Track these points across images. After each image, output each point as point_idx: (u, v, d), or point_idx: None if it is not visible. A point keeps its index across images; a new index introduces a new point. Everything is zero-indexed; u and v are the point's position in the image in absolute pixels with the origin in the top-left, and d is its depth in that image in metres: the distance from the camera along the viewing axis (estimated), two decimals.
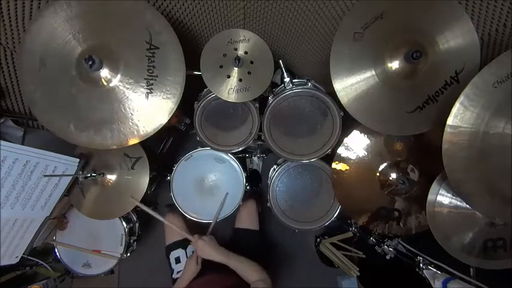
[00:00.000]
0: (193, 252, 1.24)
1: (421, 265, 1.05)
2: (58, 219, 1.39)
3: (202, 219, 1.25)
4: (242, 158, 1.60)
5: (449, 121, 0.75)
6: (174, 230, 1.35)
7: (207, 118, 1.10)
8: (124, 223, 1.36)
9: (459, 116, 0.74)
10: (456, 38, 0.82)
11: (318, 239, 1.65)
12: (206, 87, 1.00)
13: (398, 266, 1.21)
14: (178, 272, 1.29)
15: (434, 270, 1.00)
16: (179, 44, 0.88)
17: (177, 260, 1.31)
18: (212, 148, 1.16)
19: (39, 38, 0.86)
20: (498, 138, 0.73)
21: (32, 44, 0.86)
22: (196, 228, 1.30)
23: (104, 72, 0.86)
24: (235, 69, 0.96)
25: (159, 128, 0.91)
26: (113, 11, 0.87)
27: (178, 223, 1.37)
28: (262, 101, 1.12)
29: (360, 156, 1.08)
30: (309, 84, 1.06)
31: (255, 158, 1.71)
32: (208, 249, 1.09)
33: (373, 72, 0.86)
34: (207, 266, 1.11)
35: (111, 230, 1.37)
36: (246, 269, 1.07)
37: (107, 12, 0.87)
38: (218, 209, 1.23)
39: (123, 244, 1.36)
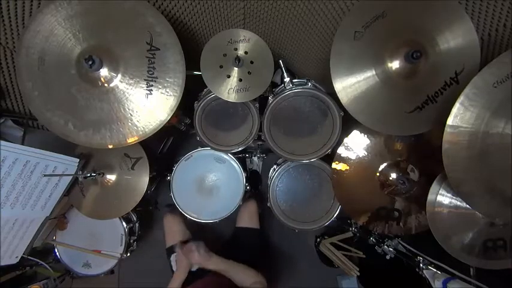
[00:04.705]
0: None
1: (421, 265, 1.05)
2: (58, 219, 1.39)
3: (202, 219, 1.25)
4: (242, 158, 1.60)
5: (449, 121, 0.75)
6: (174, 232, 1.35)
7: (207, 118, 1.10)
8: (124, 223, 1.36)
9: (459, 116, 0.74)
10: (456, 38, 0.82)
11: (318, 239, 1.66)
12: (206, 87, 1.00)
13: (399, 266, 1.21)
14: None
15: (434, 270, 1.00)
16: (180, 46, 0.88)
17: None
18: (212, 148, 1.16)
19: (39, 36, 0.85)
20: (498, 138, 0.73)
21: (31, 41, 0.85)
22: (196, 228, 1.30)
23: (104, 72, 0.86)
24: (235, 69, 0.96)
25: (159, 128, 0.91)
26: (114, 11, 0.87)
27: (177, 223, 1.37)
28: (262, 101, 1.12)
29: (360, 156, 1.08)
30: (309, 84, 1.06)
31: (255, 158, 1.71)
32: (198, 258, 1.07)
33: (373, 72, 0.86)
34: (204, 269, 1.11)
35: (111, 230, 1.37)
36: (240, 273, 1.06)
37: (108, 12, 0.87)
38: None
39: (123, 244, 1.37)
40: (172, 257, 1.31)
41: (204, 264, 1.08)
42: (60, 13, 0.85)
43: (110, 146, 0.92)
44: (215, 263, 1.08)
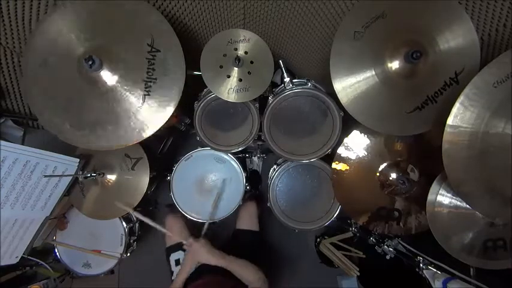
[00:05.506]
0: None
1: (421, 265, 1.05)
2: (58, 219, 1.39)
3: (203, 219, 1.25)
4: (242, 158, 1.60)
5: (449, 121, 0.75)
6: (173, 233, 1.35)
7: (207, 118, 1.10)
8: (124, 223, 1.36)
9: (459, 116, 0.74)
10: (456, 38, 0.82)
11: (318, 239, 1.66)
12: (206, 87, 1.00)
13: (399, 266, 1.21)
14: None
15: (434, 270, 1.00)
16: (180, 48, 0.88)
17: (177, 262, 1.29)
18: (212, 148, 1.16)
19: (42, 37, 0.86)
20: (498, 138, 0.73)
21: (34, 42, 0.86)
22: (196, 228, 1.30)
23: (104, 73, 0.86)
24: (235, 69, 0.96)
25: (157, 130, 0.91)
26: (115, 12, 0.87)
27: (178, 224, 1.37)
28: (262, 101, 1.12)
29: (360, 156, 1.08)
30: (309, 84, 1.06)
31: (255, 158, 1.71)
32: (203, 253, 1.09)
33: (373, 72, 0.86)
34: (205, 269, 1.11)
35: (111, 230, 1.37)
36: (243, 269, 1.07)
37: (109, 13, 0.87)
38: (212, 209, 1.22)
39: (123, 244, 1.37)
40: (172, 257, 1.31)
41: (207, 259, 1.09)
42: (63, 14, 0.85)
43: (110, 147, 0.91)
44: (218, 258, 1.08)
